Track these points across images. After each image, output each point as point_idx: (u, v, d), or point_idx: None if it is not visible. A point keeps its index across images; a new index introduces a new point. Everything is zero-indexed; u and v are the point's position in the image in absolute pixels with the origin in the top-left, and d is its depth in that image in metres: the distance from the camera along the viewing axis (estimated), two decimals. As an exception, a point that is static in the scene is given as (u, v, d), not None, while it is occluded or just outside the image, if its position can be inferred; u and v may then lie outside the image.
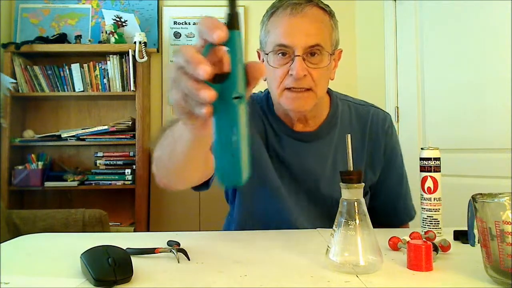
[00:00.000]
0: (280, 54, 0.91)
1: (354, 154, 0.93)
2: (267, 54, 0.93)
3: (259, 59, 1.00)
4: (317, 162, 1.00)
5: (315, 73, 0.90)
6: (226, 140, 0.42)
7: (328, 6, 0.95)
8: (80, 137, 2.52)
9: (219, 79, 0.43)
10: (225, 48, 0.43)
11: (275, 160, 1.00)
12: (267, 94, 1.05)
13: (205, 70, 0.41)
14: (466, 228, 0.69)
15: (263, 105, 1.04)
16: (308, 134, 1.01)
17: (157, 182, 0.80)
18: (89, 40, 2.60)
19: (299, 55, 0.88)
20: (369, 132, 1.03)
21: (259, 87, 1.12)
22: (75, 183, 2.48)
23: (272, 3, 0.95)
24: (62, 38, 2.59)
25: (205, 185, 0.86)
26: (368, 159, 1.03)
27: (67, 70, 2.54)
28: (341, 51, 1.02)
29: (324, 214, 0.97)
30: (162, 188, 0.80)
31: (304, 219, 0.99)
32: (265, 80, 0.99)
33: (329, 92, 1.06)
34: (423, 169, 0.84)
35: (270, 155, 0.99)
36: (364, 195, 0.99)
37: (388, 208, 1.07)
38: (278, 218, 0.98)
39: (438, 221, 0.83)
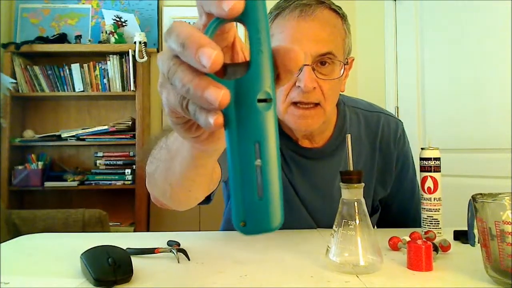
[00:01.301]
0: None
1: (364, 170, 0.89)
2: None
3: None
4: (325, 181, 0.93)
5: (325, 85, 0.81)
6: (247, 168, 0.28)
7: (340, 8, 0.86)
8: (80, 137, 2.52)
9: (234, 72, 0.29)
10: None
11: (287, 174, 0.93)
12: None
13: (210, 56, 0.27)
14: (466, 228, 0.69)
15: None
16: (315, 151, 0.93)
17: (152, 200, 0.67)
18: (89, 40, 2.60)
19: (308, 65, 0.78)
20: (379, 145, 0.95)
21: None
22: (75, 183, 2.47)
23: (277, 3, 0.85)
24: (62, 38, 2.59)
25: (206, 200, 0.72)
26: (379, 176, 0.97)
27: (67, 70, 2.54)
28: (353, 59, 0.92)
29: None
30: (159, 207, 0.68)
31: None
32: None
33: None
34: (423, 169, 0.84)
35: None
36: (374, 212, 0.99)
37: (399, 218, 1.03)
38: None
39: (438, 221, 0.83)
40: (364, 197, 0.63)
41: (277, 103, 0.83)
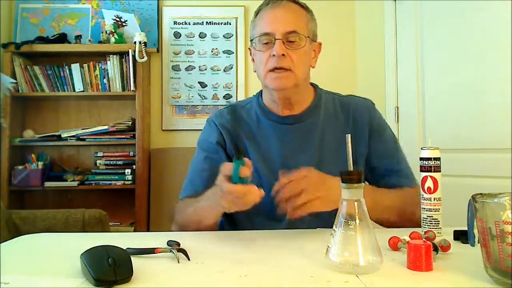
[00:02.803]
0: (264, 42, 1.04)
1: (341, 132, 1.05)
2: (252, 40, 1.09)
3: (251, 55, 1.14)
4: (302, 143, 1.09)
5: (294, 54, 1.02)
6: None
7: (304, 3, 1.10)
8: (80, 137, 2.52)
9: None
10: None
11: (263, 149, 1.09)
12: (258, 95, 1.18)
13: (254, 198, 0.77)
14: (466, 228, 0.69)
15: (254, 105, 1.16)
16: (293, 117, 1.11)
17: (172, 227, 1.10)
18: (89, 40, 2.60)
19: (279, 39, 1.01)
20: (352, 114, 1.12)
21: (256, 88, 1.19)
22: (75, 183, 2.47)
23: (259, 5, 1.10)
24: (62, 38, 2.59)
25: None
26: (352, 132, 1.06)
27: (67, 70, 2.53)
28: (321, 43, 1.13)
29: None
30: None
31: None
32: (255, 72, 1.11)
33: (314, 86, 1.18)
34: (423, 169, 0.84)
35: (257, 147, 1.10)
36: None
37: (384, 177, 1.10)
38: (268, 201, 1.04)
39: (438, 221, 0.83)
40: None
41: (260, 73, 1.07)
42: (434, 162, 0.83)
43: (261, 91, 1.17)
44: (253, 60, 1.13)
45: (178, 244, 0.77)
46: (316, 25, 1.11)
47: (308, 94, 1.14)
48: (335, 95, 1.18)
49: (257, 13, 1.10)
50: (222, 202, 0.79)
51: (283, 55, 1.01)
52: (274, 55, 1.01)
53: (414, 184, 1.08)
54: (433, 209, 0.83)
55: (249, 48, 1.15)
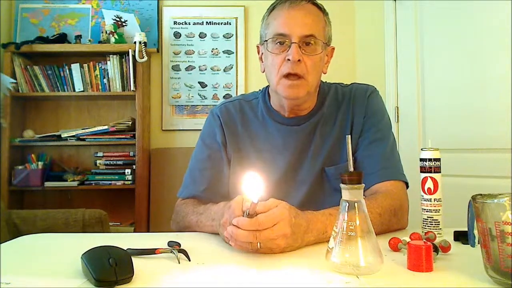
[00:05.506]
0: (278, 44, 1.00)
1: (341, 124, 1.08)
2: (266, 41, 1.03)
3: (258, 53, 1.10)
4: (305, 143, 1.08)
5: (309, 60, 0.99)
6: None
7: (322, 5, 1.05)
8: (80, 137, 2.52)
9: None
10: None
11: (265, 150, 1.09)
12: (264, 92, 1.14)
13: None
14: (466, 229, 0.69)
15: (260, 102, 1.13)
16: (299, 118, 1.09)
17: (171, 225, 1.15)
18: (89, 40, 2.60)
19: (295, 42, 0.97)
20: (352, 102, 1.10)
21: (256, 86, 1.20)
22: (75, 183, 2.47)
23: (273, 2, 1.05)
24: (62, 38, 2.59)
25: None
26: (351, 119, 1.08)
27: (67, 70, 2.53)
28: (334, 48, 1.10)
29: (313, 187, 1.06)
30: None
31: (295, 193, 1.06)
32: (263, 72, 1.07)
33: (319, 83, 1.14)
34: (423, 170, 0.84)
35: (259, 148, 1.09)
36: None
37: (366, 165, 1.02)
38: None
39: (438, 222, 0.83)
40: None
41: (272, 77, 1.03)
42: (434, 163, 0.83)
43: (267, 88, 1.14)
44: (260, 59, 1.09)
45: (179, 244, 0.77)
46: (331, 29, 1.07)
47: (315, 93, 1.10)
48: (339, 85, 1.15)
49: (271, 10, 1.04)
50: (220, 231, 0.81)
51: (299, 60, 0.96)
52: (289, 60, 0.97)
53: (399, 179, 1.00)
54: (433, 210, 0.83)
55: (257, 46, 1.11)
